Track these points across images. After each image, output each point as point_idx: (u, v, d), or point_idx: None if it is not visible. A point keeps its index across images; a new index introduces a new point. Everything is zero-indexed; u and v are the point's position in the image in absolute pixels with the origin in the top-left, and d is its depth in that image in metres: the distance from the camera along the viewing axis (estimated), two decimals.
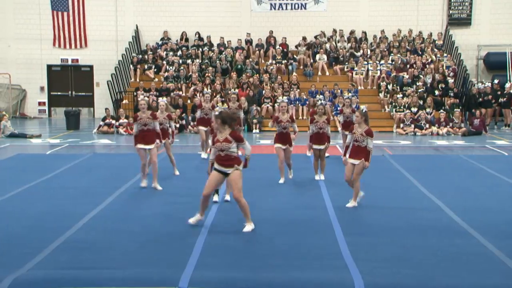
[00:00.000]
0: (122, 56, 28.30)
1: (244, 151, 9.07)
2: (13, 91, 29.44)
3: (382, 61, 27.20)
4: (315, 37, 28.63)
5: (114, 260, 7.53)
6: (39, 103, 29.91)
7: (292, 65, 27.20)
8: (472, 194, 11.70)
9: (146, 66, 27.58)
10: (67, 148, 18.90)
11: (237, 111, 14.59)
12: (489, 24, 28.60)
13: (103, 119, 23.60)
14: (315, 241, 8.44)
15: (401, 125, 23.43)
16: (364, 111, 10.63)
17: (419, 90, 25.02)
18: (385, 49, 27.78)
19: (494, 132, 23.46)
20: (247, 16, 29.38)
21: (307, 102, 24.78)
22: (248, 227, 8.96)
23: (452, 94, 25.14)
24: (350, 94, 16.36)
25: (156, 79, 26.64)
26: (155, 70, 27.47)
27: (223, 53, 27.65)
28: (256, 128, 23.55)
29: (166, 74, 26.65)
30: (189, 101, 25.00)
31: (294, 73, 26.49)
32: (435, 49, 27.80)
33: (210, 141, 10.25)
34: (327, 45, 28.17)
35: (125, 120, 23.18)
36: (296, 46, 28.34)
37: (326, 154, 13.31)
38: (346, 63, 27.40)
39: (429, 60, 27.16)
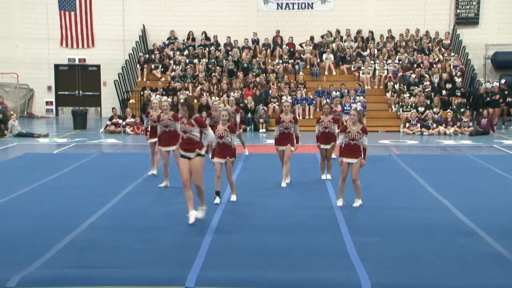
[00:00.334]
0: (129, 55, 28.35)
1: (206, 136, 9.48)
2: (21, 91, 29.53)
3: (389, 61, 27.15)
4: (322, 36, 28.61)
5: (121, 259, 7.55)
6: (47, 103, 30.00)
7: (299, 65, 27.19)
8: (479, 194, 11.67)
9: (153, 66, 27.62)
10: (74, 147, 18.95)
11: (233, 115, 14.43)
12: (496, 24, 28.50)
13: (110, 119, 23.64)
14: (321, 241, 8.43)
15: (407, 124, 23.39)
16: (359, 109, 10.66)
17: (426, 90, 24.96)
18: (392, 49, 27.72)
19: (502, 132, 23.38)
20: (254, 16, 29.37)
21: (314, 102, 24.78)
22: (201, 212, 9.38)
23: (459, 94, 25.07)
24: (338, 93, 16.23)
25: (163, 79, 26.68)
26: (162, 69, 27.51)
27: (230, 53, 27.66)
28: (262, 128, 23.54)
29: (172, 73, 26.69)
30: (195, 101, 25.01)
31: (301, 73, 26.47)
32: (442, 49, 27.73)
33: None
34: (334, 45, 28.14)
35: (132, 120, 23.22)
36: (300, 45, 28.30)
37: (333, 156, 13.20)
38: (353, 62, 27.36)
39: (436, 59, 27.09)
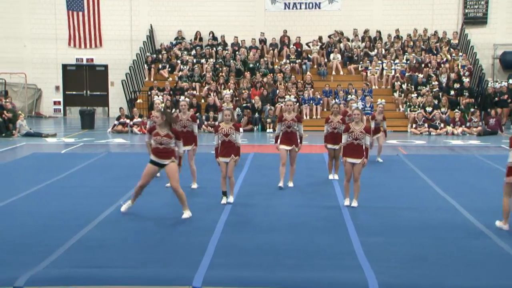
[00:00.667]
0: (137, 55, 28.41)
1: (178, 149, 9.72)
2: (29, 91, 29.65)
3: (397, 61, 27.10)
4: (329, 36, 28.58)
5: (128, 258, 7.56)
6: (54, 103, 30.11)
7: (306, 65, 27.18)
8: (487, 194, 11.62)
9: (160, 66, 27.67)
10: (82, 147, 19.00)
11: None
12: (505, 23, 28.39)
13: (118, 118, 23.69)
14: (328, 241, 8.42)
15: (414, 125, 23.34)
16: (360, 108, 10.69)
17: (434, 90, 24.89)
18: (400, 49, 27.67)
19: (510, 132, 23.27)
20: (261, 16, 29.37)
21: (321, 102, 24.78)
22: (186, 214, 9.60)
23: (467, 94, 25.00)
24: (353, 96, 16.22)
25: (170, 79, 26.73)
26: (169, 69, 27.55)
27: (237, 52, 27.66)
28: (269, 128, 23.54)
29: (180, 73, 26.72)
30: (203, 101, 25.06)
31: (308, 73, 26.47)
32: (451, 49, 27.64)
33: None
34: (341, 45, 28.10)
35: (139, 119, 23.26)
36: (307, 44, 28.28)
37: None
38: (361, 62, 27.32)
39: (444, 59, 27.02)
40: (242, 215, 9.95)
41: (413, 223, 9.46)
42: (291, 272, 7.06)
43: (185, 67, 26.98)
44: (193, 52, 28.21)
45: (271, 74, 26.18)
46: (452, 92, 25.12)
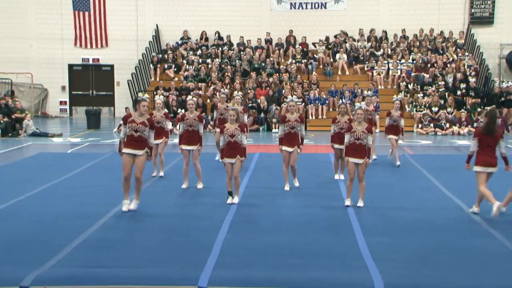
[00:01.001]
0: (143, 55, 28.45)
1: (149, 139, 10.07)
2: (35, 91, 29.73)
3: (403, 60, 27.06)
4: (335, 36, 28.55)
5: (134, 258, 7.58)
6: (61, 102, 30.19)
7: (312, 65, 27.16)
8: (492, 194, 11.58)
9: (166, 66, 27.70)
10: (88, 147, 19.04)
11: (242, 115, 13.52)
12: (511, 23, 28.29)
13: (123, 118, 23.68)
14: (334, 241, 8.42)
15: (420, 125, 23.30)
16: (363, 108, 10.74)
17: (440, 90, 24.84)
18: (406, 48, 27.62)
19: None
20: (267, 16, 29.37)
21: (327, 102, 24.76)
22: (133, 205, 10.06)
23: (473, 94, 24.94)
24: (371, 92, 16.07)
25: (176, 79, 26.76)
26: (175, 69, 27.57)
27: (242, 52, 27.64)
28: (275, 128, 23.51)
29: (186, 73, 26.75)
30: (208, 101, 25.08)
31: (314, 73, 26.45)
32: (457, 49, 27.58)
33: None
34: (347, 45, 28.08)
35: None
36: (313, 44, 28.27)
37: None
38: (366, 62, 27.28)
39: (451, 59, 26.96)
40: (247, 215, 9.96)
41: (419, 223, 9.45)
42: (297, 272, 7.06)
43: (191, 67, 27.01)
44: (199, 52, 28.24)
45: (277, 74, 26.18)
46: (458, 92, 25.06)
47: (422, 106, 23.96)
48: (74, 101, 30.30)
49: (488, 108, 11.03)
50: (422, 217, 9.84)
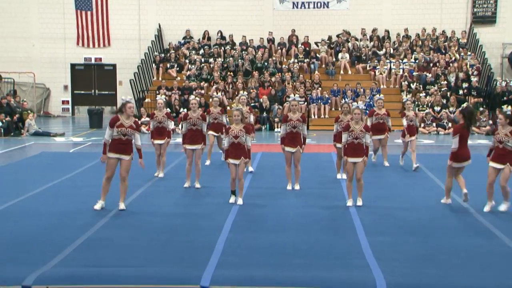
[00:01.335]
0: (145, 55, 28.45)
1: (136, 141, 10.07)
2: (37, 90, 29.75)
3: (405, 60, 27.03)
4: (338, 35, 28.53)
5: (136, 258, 7.58)
6: (63, 102, 30.20)
7: (314, 64, 27.15)
8: (495, 194, 11.53)
9: (168, 65, 27.69)
10: (90, 146, 19.04)
11: (248, 115, 13.43)
12: None
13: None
14: (336, 240, 8.42)
15: (422, 124, 23.27)
16: (361, 107, 10.72)
17: (442, 89, 24.82)
18: (408, 48, 27.59)
19: None
20: (270, 15, 29.35)
21: (329, 101, 24.75)
22: (122, 205, 10.07)
23: (475, 93, 24.90)
24: (381, 95, 15.63)
25: (179, 78, 26.76)
26: (178, 69, 27.57)
27: (243, 52, 27.62)
28: (278, 127, 23.50)
29: (188, 73, 26.75)
30: (210, 100, 25.01)
31: (316, 72, 26.43)
32: (460, 48, 27.53)
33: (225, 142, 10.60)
34: (350, 44, 28.06)
35: (147, 119, 23.26)
36: (316, 43, 28.26)
37: None
38: (369, 61, 27.26)
39: (453, 58, 26.93)
40: (250, 214, 9.95)
41: (421, 223, 9.44)
42: (299, 272, 7.06)
43: (193, 66, 27.01)
44: (201, 51, 28.24)
45: (279, 74, 26.17)
46: (461, 92, 25.03)
47: (424, 106, 23.94)
48: (76, 101, 30.30)
49: (464, 105, 11.40)
50: (424, 217, 9.84)
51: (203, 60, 27.46)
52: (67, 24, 29.45)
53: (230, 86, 25.47)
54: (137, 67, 27.47)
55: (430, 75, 25.85)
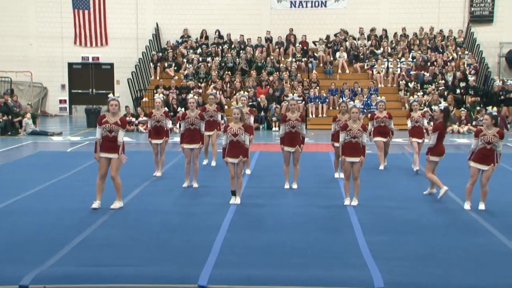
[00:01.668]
0: (142, 54, 28.43)
1: (118, 137, 10.05)
2: (35, 89, 29.71)
3: (403, 59, 27.06)
4: (335, 35, 28.54)
5: (134, 257, 7.57)
6: (60, 101, 30.17)
7: (312, 63, 27.15)
8: (492, 193, 11.53)
9: (166, 64, 27.68)
10: (88, 145, 19.01)
11: (248, 116, 13.24)
12: (511, 21, 28.27)
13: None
14: (334, 240, 8.42)
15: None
16: (358, 106, 10.75)
17: (440, 88, 24.84)
18: (406, 47, 27.62)
19: None
20: (267, 14, 29.35)
21: (327, 100, 24.76)
22: (117, 204, 10.11)
23: (473, 92, 24.93)
24: (383, 98, 15.39)
25: (176, 77, 26.74)
26: (175, 68, 27.55)
27: (241, 51, 27.62)
28: (275, 126, 23.52)
29: (186, 72, 26.74)
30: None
31: (314, 71, 26.44)
32: (457, 47, 27.56)
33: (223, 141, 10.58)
34: (347, 43, 28.07)
35: (145, 118, 23.26)
36: (314, 42, 28.26)
37: None
38: (366, 60, 27.27)
39: (450, 58, 26.95)
40: (248, 214, 9.95)
41: (419, 222, 9.45)
42: (297, 271, 7.06)
43: (191, 65, 26.99)
44: (199, 50, 28.22)
45: (277, 73, 26.17)
46: (458, 91, 25.06)
47: (422, 105, 23.94)
48: (73, 100, 30.28)
49: (443, 106, 11.97)
50: (422, 216, 9.84)
51: (200, 59, 27.45)
52: (64, 23, 29.41)
53: (228, 85, 25.45)
54: (135, 66, 27.46)
55: (427, 74, 25.88)
